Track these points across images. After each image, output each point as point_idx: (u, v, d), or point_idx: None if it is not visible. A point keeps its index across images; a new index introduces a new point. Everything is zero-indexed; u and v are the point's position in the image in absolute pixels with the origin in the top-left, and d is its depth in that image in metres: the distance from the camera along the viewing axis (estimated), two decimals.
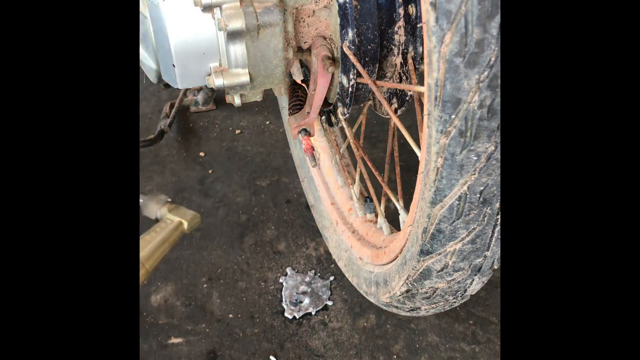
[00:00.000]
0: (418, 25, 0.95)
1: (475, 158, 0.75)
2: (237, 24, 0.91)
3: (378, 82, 0.99)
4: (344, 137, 1.53)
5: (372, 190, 1.27)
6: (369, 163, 1.15)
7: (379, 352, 1.35)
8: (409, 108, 1.05)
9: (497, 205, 0.83)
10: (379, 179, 1.15)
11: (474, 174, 0.77)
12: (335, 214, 1.44)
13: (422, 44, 0.96)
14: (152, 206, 1.32)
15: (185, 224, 1.30)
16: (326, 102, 1.11)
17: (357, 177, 1.37)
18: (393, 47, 0.97)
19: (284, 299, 1.44)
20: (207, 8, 0.91)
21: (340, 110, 1.07)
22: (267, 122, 1.89)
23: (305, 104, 1.12)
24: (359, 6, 0.92)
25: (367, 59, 0.97)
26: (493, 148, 0.75)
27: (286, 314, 1.41)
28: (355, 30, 0.93)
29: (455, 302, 1.06)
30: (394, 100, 1.06)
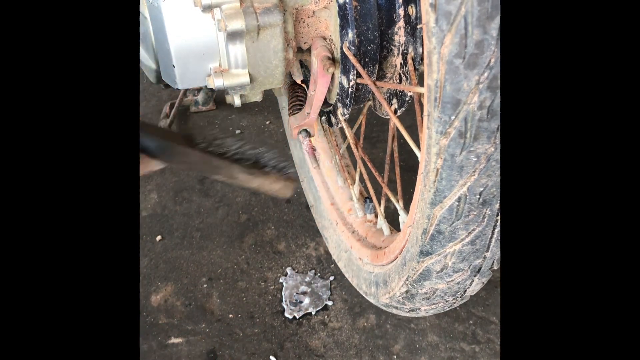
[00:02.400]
0: (418, 26, 0.95)
1: (474, 159, 0.75)
2: (237, 24, 0.91)
3: (378, 83, 0.99)
4: (344, 137, 1.53)
5: (372, 191, 1.27)
6: (368, 163, 1.15)
7: (379, 352, 1.35)
8: (409, 109, 1.05)
9: (497, 206, 0.83)
10: (379, 179, 1.15)
11: (474, 175, 0.77)
12: (335, 214, 1.44)
13: (422, 45, 0.96)
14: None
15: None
16: (326, 103, 1.11)
17: (357, 178, 1.37)
18: (393, 47, 0.97)
19: (284, 299, 1.44)
20: (207, 8, 0.91)
21: (340, 110, 1.07)
22: (267, 122, 1.89)
23: (305, 104, 1.12)
24: (358, 7, 0.92)
25: (367, 59, 0.97)
26: (493, 149, 0.75)
27: (286, 314, 1.41)
28: (355, 30, 0.93)
29: (454, 303, 1.06)
30: (394, 100, 1.06)
